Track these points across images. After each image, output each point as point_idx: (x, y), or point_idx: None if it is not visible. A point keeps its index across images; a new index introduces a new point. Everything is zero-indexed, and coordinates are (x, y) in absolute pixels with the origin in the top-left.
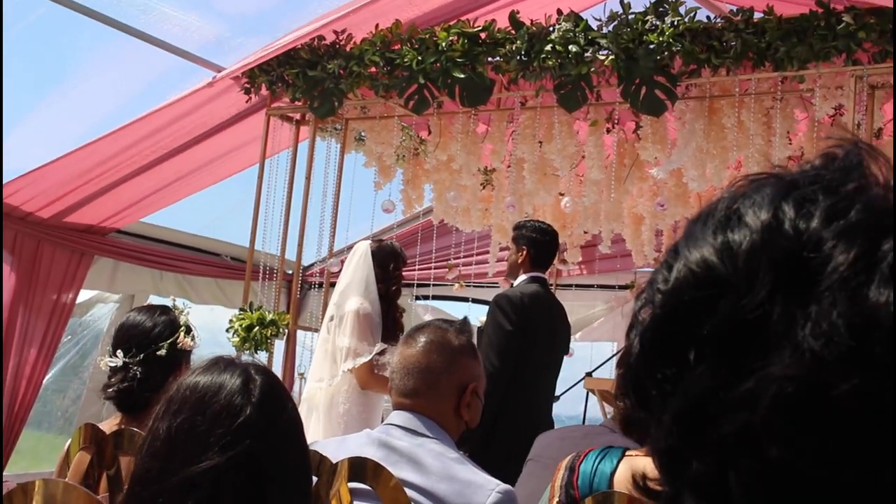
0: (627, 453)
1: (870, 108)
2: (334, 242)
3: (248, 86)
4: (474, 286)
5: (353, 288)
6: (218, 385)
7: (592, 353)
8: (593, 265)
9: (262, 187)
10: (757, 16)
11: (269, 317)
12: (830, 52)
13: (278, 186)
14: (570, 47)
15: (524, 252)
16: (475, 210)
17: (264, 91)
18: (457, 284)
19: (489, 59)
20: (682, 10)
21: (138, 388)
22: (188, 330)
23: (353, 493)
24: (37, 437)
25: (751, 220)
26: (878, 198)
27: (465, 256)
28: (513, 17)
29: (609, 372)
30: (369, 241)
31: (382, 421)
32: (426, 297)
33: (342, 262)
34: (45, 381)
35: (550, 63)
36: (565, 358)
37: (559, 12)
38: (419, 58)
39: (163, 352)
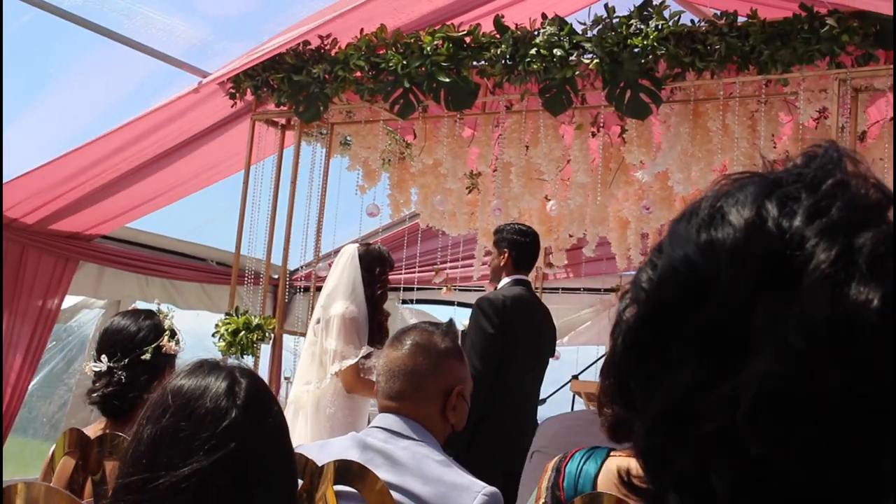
0: (612, 454)
1: (853, 111)
2: (320, 247)
3: (233, 91)
4: (460, 290)
5: (340, 291)
6: (203, 388)
7: (578, 356)
8: (579, 268)
9: (248, 192)
10: (741, 19)
11: (255, 321)
12: (814, 56)
13: (264, 191)
14: (554, 51)
15: (506, 255)
16: (461, 214)
17: (249, 96)
18: (445, 288)
19: (474, 63)
20: (666, 13)
21: (123, 392)
22: (173, 334)
23: (339, 496)
24: (22, 444)
25: (734, 218)
26: (858, 195)
27: (450, 260)
28: (497, 22)
29: (595, 374)
30: (356, 245)
31: (369, 424)
32: (412, 301)
33: (329, 265)
34: (30, 388)
35: (535, 67)
36: (552, 361)
37: (544, 16)
38: (404, 62)
39: (147, 356)
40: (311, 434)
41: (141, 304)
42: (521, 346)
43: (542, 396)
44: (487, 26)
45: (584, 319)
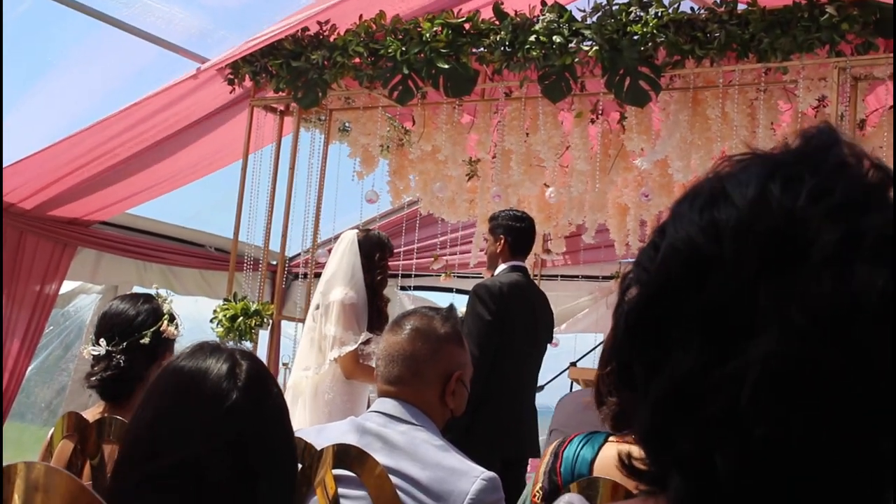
0: (610, 439)
1: (853, 100)
2: (319, 233)
3: (231, 76)
4: (458, 276)
5: (339, 277)
6: (204, 370)
7: (576, 344)
8: (577, 256)
9: (247, 178)
10: (741, 7)
11: (254, 307)
12: (814, 44)
13: (262, 177)
14: (554, 38)
15: (502, 241)
16: (461, 201)
17: (248, 82)
18: (444, 275)
19: (473, 49)
20: (665, 1)
21: (122, 376)
22: (171, 318)
23: (338, 480)
24: (20, 429)
25: (737, 199)
26: (861, 175)
27: (449, 246)
28: (497, 8)
29: (593, 362)
30: (356, 231)
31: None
32: (410, 288)
33: (328, 252)
34: (28, 373)
35: (535, 54)
36: (550, 348)
37: (543, 3)
38: (403, 48)
39: (146, 340)
40: (309, 419)
41: (139, 290)
42: (518, 333)
43: (540, 383)
44: (487, 13)
45: (583, 307)
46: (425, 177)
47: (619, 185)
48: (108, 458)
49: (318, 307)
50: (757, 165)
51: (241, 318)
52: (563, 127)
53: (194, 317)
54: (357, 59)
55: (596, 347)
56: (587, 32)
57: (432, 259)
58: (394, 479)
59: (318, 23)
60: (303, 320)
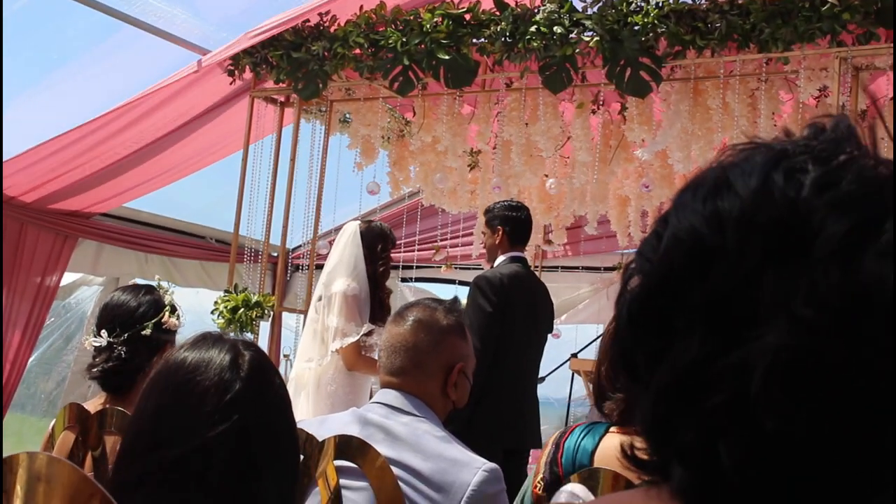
0: (611, 430)
1: (854, 90)
2: (320, 224)
3: (231, 68)
4: (460, 268)
5: (342, 268)
6: (207, 361)
7: (577, 335)
8: (578, 247)
9: (247, 170)
10: None
11: (255, 299)
12: (815, 34)
13: (263, 169)
14: (554, 28)
15: (500, 232)
16: (462, 192)
17: (248, 73)
18: (444, 266)
19: (474, 40)
20: None
21: (123, 367)
22: (173, 309)
23: (339, 472)
24: (21, 420)
25: (740, 188)
26: (869, 168)
27: (450, 238)
28: None
29: (594, 353)
30: (358, 222)
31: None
32: (411, 280)
33: (329, 243)
34: (29, 364)
35: (535, 44)
36: (551, 339)
37: None
38: (403, 39)
39: (147, 331)
40: (312, 411)
41: (140, 282)
42: (518, 324)
43: (541, 375)
44: (487, 3)
45: (584, 298)
46: (426, 168)
47: (619, 176)
48: (110, 449)
49: (320, 298)
50: (760, 155)
51: (242, 309)
52: (564, 118)
53: (195, 309)
54: (357, 50)
55: (597, 339)
56: (588, 23)
57: (433, 251)
58: (395, 470)
59: (319, 14)
60: (304, 312)
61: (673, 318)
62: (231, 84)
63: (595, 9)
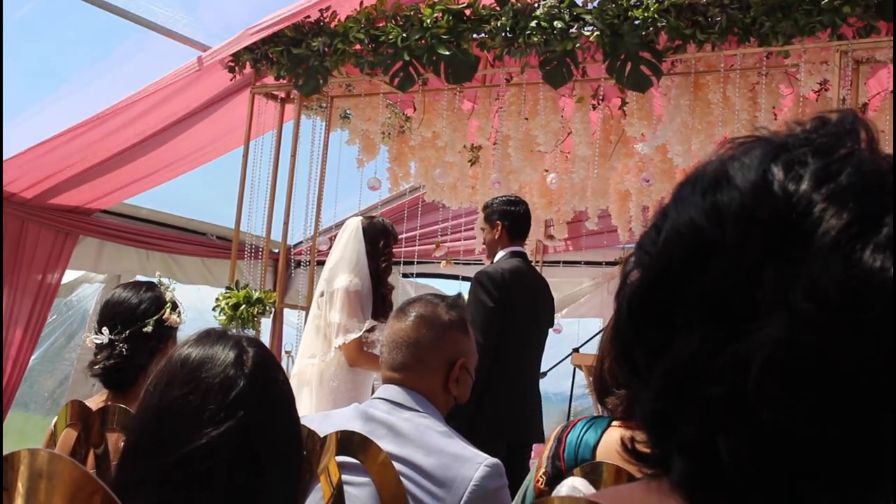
0: (613, 424)
1: (854, 83)
2: (321, 220)
3: (232, 64)
4: (462, 263)
5: (344, 264)
6: (210, 357)
7: (579, 330)
8: (579, 241)
9: (248, 166)
10: None
11: (256, 295)
12: (815, 27)
13: (264, 165)
14: (555, 23)
15: (499, 227)
16: (462, 187)
17: (249, 69)
18: (444, 262)
19: (474, 35)
20: None
21: (125, 364)
22: (174, 306)
23: (342, 467)
24: (24, 418)
25: (740, 182)
26: (868, 162)
27: (452, 233)
28: None
29: (596, 348)
30: (360, 218)
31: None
32: (412, 275)
33: (330, 239)
34: (31, 362)
35: (535, 39)
36: (553, 334)
37: None
38: (404, 35)
39: (149, 328)
40: (314, 407)
41: (141, 279)
42: (520, 319)
43: (543, 370)
44: None
45: (585, 293)
46: (426, 163)
47: (620, 170)
48: (112, 447)
49: (322, 294)
50: (760, 148)
51: (243, 306)
52: (564, 113)
53: (197, 305)
54: (358, 46)
55: (599, 333)
56: (588, 17)
57: (434, 246)
58: (397, 465)
59: (319, 10)
60: (305, 308)
61: (672, 312)
62: (231, 80)
63: (595, 3)
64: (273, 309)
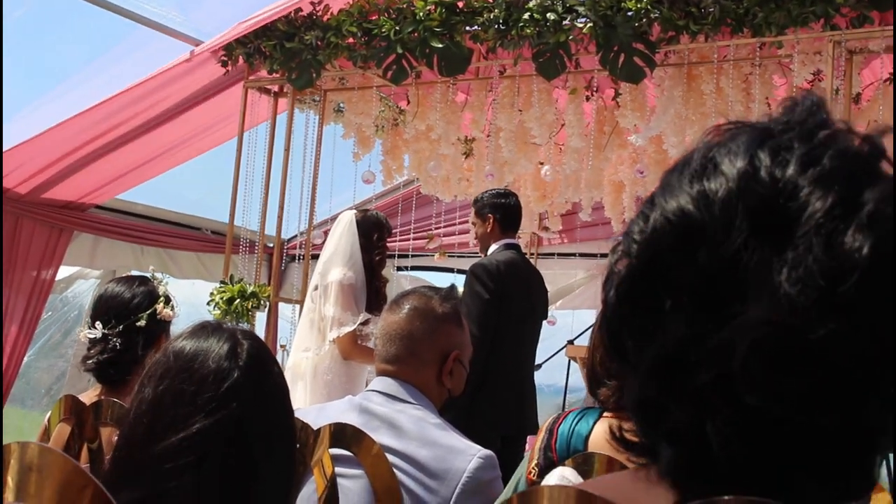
0: (605, 415)
1: (848, 74)
2: (315, 214)
3: (225, 58)
4: (457, 256)
5: (338, 257)
6: (205, 350)
7: (574, 322)
8: (574, 233)
9: (242, 161)
10: None
11: (250, 289)
12: (808, 18)
13: (257, 159)
14: (548, 15)
15: (491, 220)
16: (456, 180)
17: (241, 63)
18: (437, 254)
19: (467, 28)
20: None
21: (118, 359)
22: (167, 300)
23: (335, 460)
24: (21, 415)
25: (727, 168)
26: (849, 143)
27: (446, 226)
28: None
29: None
30: (354, 211)
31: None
32: (406, 268)
33: (325, 233)
34: (27, 359)
35: (528, 31)
36: (547, 327)
37: None
38: (397, 28)
39: (142, 322)
40: (309, 401)
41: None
42: (515, 311)
43: (537, 361)
44: None
45: (579, 284)
46: (419, 156)
47: (614, 162)
48: (106, 441)
49: (316, 288)
50: (746, 135)
51: (238, 300)
52: (558, 104)
53: (192, 300)
54: (351, 39)
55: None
56: (581, 9)
57: (427, 239)
58: (391, 457)
59: (312, 3)
60: (300, 302)
61: (661, 298)
62: (224, 75)
63: None
64: (268, 303)
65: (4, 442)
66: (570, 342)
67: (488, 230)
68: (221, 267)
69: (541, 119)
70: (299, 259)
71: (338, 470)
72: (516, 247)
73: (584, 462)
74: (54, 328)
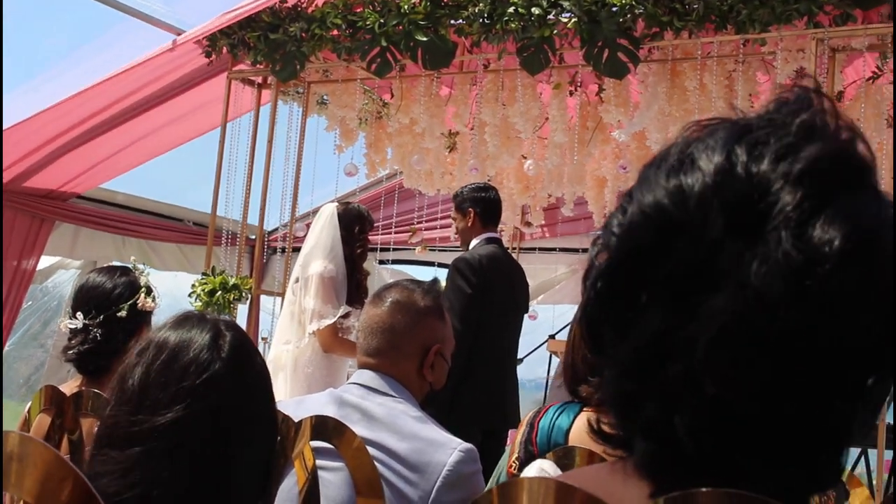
0: (585, 409)
1: (830, 71)
2: (297, 207)
3: (208, 49)
4: (439, 250)
5: (319, 250)
6: (187, 340)
7: (555, 316)
8: (556, 228)
9: (225, 152)
10: None
11: (232, 281)
12: (792, 15)
13: (240, 151)
14: (532, 10)
15: (471, 214)
16: (438, 173)
17: (225, 54)
18: (419, 248)
19: (452, 21)
20: None
21: (99, 349)
22: (148, 291)
23: (316, 452)
24: None
25: (703, 163)
26: (829, 137)
27: (427, 220)
28: None
29: None
30: (336, 204)
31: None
32: (388, 262)
33: (307, 226)
34: (6, 349)
35: (513, 26)
36: (528, 321)
37: None
38: (381, 20)
39: (123, 313)
40: (289, 393)
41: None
42: (497, 305)
43: (519, 356)
44: None
45: (560, 279)
46: (403, 149)
47: (597, 157)
48: (87, 432)
49: (297, 280)
50: (724, 130)
51: (219, 292)
52: (542, 99)
53: (173, 292)
54: (335, 32)
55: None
56: (566, 4)
57: (410, 233)
58: (372, 450)
59: None
60: (281, 294)
61: (638, 292)
62: (208, 66)
63: None
64: (249, 295)
65: None
66: (552, 337)
67: (469, 224)
68: (203, 258)
69: (525, 113)
70: (281, 251)
71: (319, 462)
72: (498, 241)
73: (565, 456)
74: (34, 318)
